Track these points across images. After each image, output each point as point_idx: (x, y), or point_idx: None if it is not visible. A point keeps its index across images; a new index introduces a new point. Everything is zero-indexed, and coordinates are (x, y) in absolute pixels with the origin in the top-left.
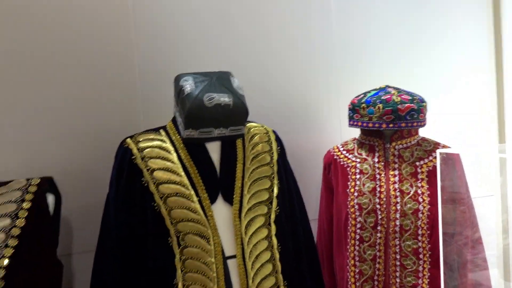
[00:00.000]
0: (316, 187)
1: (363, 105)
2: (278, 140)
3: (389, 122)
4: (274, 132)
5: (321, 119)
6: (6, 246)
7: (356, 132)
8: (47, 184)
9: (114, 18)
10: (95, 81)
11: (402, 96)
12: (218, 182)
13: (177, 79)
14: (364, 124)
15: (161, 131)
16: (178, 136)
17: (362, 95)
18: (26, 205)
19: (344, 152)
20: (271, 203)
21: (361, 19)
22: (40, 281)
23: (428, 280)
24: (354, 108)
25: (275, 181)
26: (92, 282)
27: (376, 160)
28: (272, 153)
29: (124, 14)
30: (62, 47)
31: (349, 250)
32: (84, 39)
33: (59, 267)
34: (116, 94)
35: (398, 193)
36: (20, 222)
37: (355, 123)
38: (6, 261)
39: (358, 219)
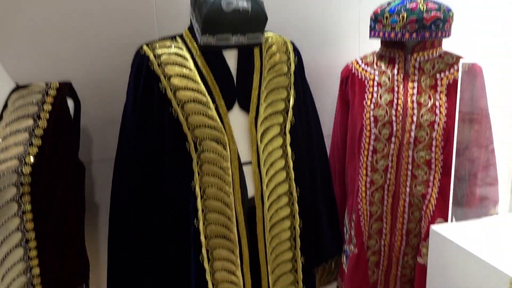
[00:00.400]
0: (330, 104)
1: (386, 14)
2: (295, 50)
3: (413, 32)
4: (292, 42)
5: (339, 32)
6: (31, 144)
7: (375, 46)
8: (67, 89)
9: None
10: None
11: (429, 5)
12: (235, 90)
13: None
14: (386, 34)
15: (178, 38)
16: (195, 44)
17: (386, 5)
18: (47, 107)
19: (363, 65)
20: (287, 113)
21: None
22: (63, 181)
23: (437, 189)
24: (376, 18)
25: (292, 92)
26: (112, 194)
27: (396, 72)
28: (290, 63)
29: None
30: None
31: (362, 161)
32: None
33: (81, 168)
34: (132, 2)
35: (415, 105)
36: (43, 124)
37: (377, 33)
38: (32, 159)
39: (373, 131)
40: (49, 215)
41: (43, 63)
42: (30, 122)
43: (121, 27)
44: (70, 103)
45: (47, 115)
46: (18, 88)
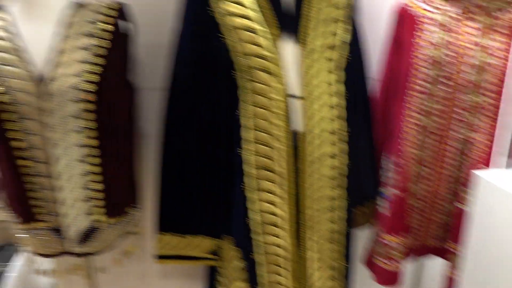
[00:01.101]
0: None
1: None
2: None
3: None
4: None
5: None
6: (93, 63)
7: None
8: (124, 10)
9: None
10: None
11: None
12: (288, 20)
13: None
14: None
15: None
16: None
17: None
18: (107, 27)
19: (418, 2)
20: (340, 48)
21: None
22: (121, 99)
23: (487, 136)
24: None
25: (347, 26)
26: (164, 121)
27: (454, 10)
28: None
29: None
30: None
31: (409, 102)
32: None
33: (135, 90)
34: None
35: (472, 46)
36: (103, 43)
37: None
38: (94, 77)
39: (422, 70)
40: (111, 133)
41: None
42: (89, 40)
43: None
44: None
45: (108, 35)
46: (77, 6)
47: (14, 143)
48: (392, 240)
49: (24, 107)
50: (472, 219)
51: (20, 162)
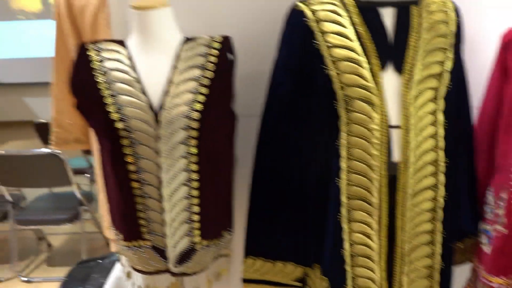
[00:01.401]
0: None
1: None
2: (457, 10)
3: None
4: (452, 1)
5: None
6: (199, 93)
7: None
8: (228, 43)
9: None
10: None
11: None
12: (390, 50)
13: None
14: None
15: None
16: (351, 0)
17: None
18: (213, 59)
19: None
20: (442, 77)
21: None
22: (223, 127)
23: None
24: None
25: (450, 55)
26: (257, 149)
27: None
28: (450, 23)
29: None
30: None
31: None
32: None
33: (235, 118)
34: None
35: None
36: (209, 74)
37: None
38: (199, 106)
39: None
40: (211, 159)
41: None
42: (197, 72)
43: None
44: (231, 56)
45: (213, 66)
46: (187, 40)
47: (128, 167)
48: (495, 281)
49: (138, 133)
50: None
51: (132, 184)
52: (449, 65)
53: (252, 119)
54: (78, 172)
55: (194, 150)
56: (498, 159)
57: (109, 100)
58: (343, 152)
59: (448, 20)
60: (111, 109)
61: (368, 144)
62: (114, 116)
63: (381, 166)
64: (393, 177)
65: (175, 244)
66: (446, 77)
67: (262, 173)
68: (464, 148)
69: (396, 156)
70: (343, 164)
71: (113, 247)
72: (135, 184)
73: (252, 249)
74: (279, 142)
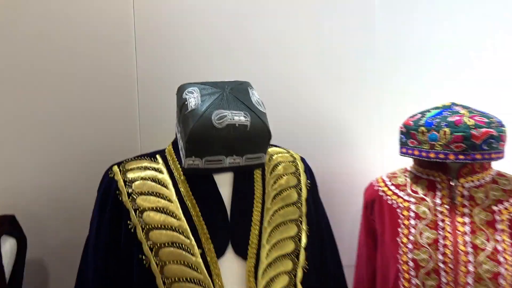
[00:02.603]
0: (350, 228)
1: (422, 128)
2: (308, 171)
3: (459, 153)
4: (302, 160)
5: (358, 141)
6: None
7: (404, 160)
8: (7, 226)
9: (115, 23)
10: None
11: (476, 118)
12: (229, 228)
13: (180, 90)
14: (424, 154)
15: (158, 157)
16: (179, 165)
17: (419, 115)
18: None
19: (393, 187)
20: (297, 256)
21: (413, 16)
22: None
23: None
24: (408, 132)
25: (304, 227)
26: None
27: (438, 201)
28: (301, 188)
29: (125, 22)
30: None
31: None
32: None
33: None
34: (113, 112)
35: (470, 249)
36: None
37: (410, 151)
38: None
39: (413, 281)
40: None
41: None
42: None
43: (100, 135)
44: (9, 244)
45: None
46: None
47: None
48: None
49: None
50: None
51: None
52: (304, 240)
53: None
54: None
55: None
56: None
57: None
58: None
59: (298, 183)
60: None
61: None
62: None
63: None
64: None
65: None
66: (302, 257)
67: None
68: None
69: None
70: None
71: None
72: None
73: None
74: None
